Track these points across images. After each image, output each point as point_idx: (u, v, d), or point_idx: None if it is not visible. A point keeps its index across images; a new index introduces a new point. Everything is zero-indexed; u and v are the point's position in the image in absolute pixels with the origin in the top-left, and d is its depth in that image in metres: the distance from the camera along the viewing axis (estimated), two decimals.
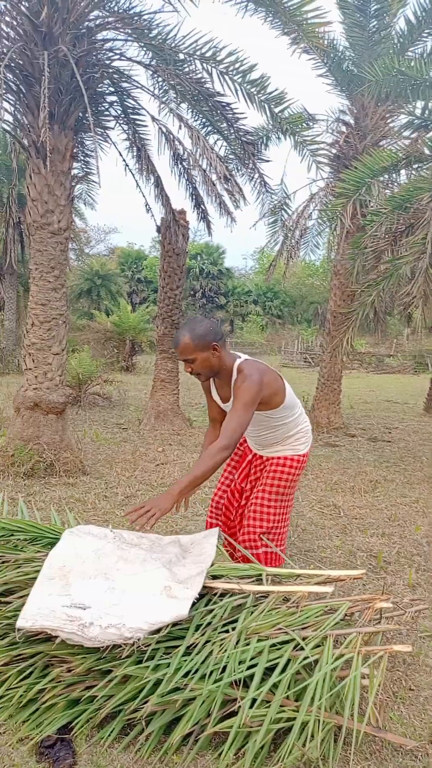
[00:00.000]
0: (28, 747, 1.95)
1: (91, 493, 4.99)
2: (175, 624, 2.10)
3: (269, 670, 2.01)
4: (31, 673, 2.13)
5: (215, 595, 2.26)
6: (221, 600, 2.22)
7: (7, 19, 5.18)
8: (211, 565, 2.40)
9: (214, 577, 2.36)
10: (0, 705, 2.09)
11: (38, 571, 2.30)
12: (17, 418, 5.67)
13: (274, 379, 2.66)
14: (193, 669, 2.00)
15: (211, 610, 2.18)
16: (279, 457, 2.84)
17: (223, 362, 2.57)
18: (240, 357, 2.62)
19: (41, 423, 5.62)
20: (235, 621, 2.17)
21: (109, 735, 1.98)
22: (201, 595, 2.25)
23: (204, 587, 2.26)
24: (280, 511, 2.83)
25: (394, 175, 7.48)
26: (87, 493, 5.01)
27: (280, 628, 2.09)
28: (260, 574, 2.37)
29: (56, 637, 2.02)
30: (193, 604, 2.16)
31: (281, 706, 1.94)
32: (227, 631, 2.13)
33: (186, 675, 2.00)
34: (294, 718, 1.92)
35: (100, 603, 2.08)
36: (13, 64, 5.13)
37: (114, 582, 2.19)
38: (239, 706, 1.91)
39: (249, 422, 2.45)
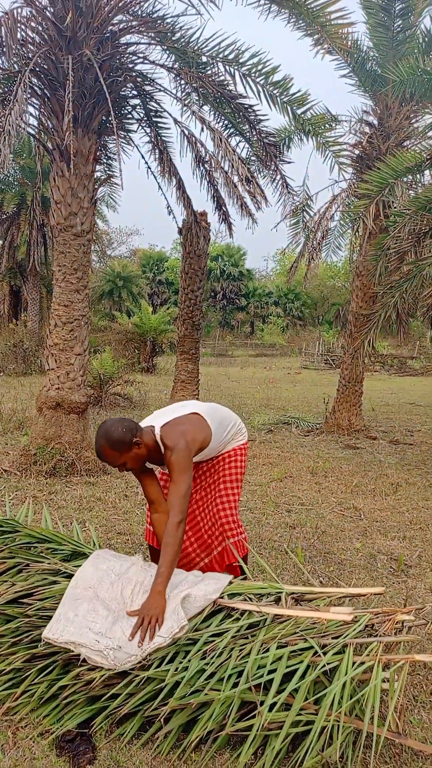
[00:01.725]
0: (48, 741, 1.97)
1: (111, 492, 5.03)
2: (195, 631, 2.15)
3: (289, 677, 2.02)
4: (52, 670, 2.16)
5: (234, 611, 2.27)
6: (240, 618, 2.23)
7: (33, 24, 5.26)
8: (229, 583, 2.42)
9: (232, 596, 2.36)
10: (21, 700, 2.12)
11: (57, 577, 2.38)
12: (39, 418, 5.75)
13: (196, 426, 2.63)
14: (212, 673, 2.01)
15: (225, 631, 2.18)
16: (227, 452, 2.93)
17: (148, 441, 2.55)
18: (154, 425, 2.58)
19: (63, 423, 5.69)
20: (255, 626, 2.18)
21: (129, 732, 2.00)
22: (218, 610, 2.27)
23: (222, 607, 2.28)
24: (238, 497, 2.92)
25: (418, 175, 7.40)
26: (108, 492, 5.05)
27: (300, 636, 2.10)
28: (279, 593, 2.37)
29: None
30: (210, 616, 2.20)
31: (301, 709, 1.93)
32: (246, 638, 2.14)
33: (204, 678, 2.01)
34: (313, 722, 1.92)
35: (121, 637, 2.13)
36: (38, 69, 5.21)
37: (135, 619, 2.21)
38: (258, 711, 1.92)
39: (190, 486, 2.45)
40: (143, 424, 2.66)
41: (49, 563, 2.52)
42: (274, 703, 1.93)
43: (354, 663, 1.99)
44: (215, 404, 2.99)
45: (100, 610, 2.22)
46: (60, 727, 2.00)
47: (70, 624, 2.14)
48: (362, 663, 1.99)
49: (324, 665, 1.98)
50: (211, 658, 2.05)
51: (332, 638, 2.11)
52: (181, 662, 2.06)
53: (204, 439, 2.65)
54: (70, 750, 1.91)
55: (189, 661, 2.06)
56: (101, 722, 2.02)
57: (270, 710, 1.92)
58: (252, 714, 1.97)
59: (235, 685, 1.98)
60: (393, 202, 7.01)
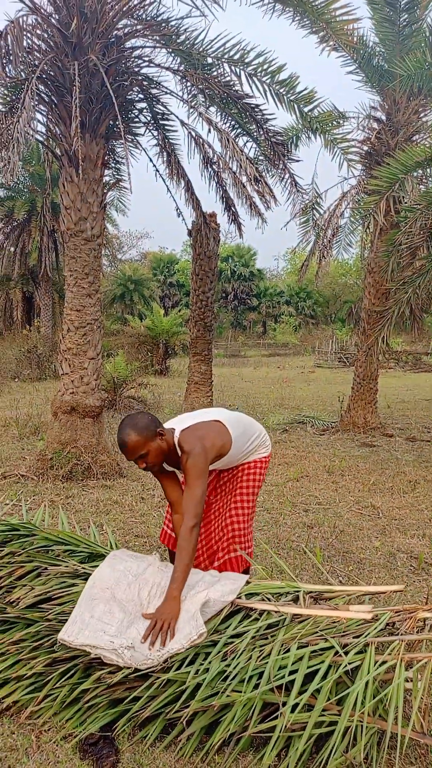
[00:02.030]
0: (71, 744, 1.98)
1: (128, 495, 5.04)
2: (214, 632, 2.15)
3: (310, 677, 2.00)
4: (74, 674, 2.16)
5: (253, 611, 2.26)
6: (258, 619, 2.22)
7: (38, 32, 5.30)
8: (247, 583, 2.41)
9: (250, 596, 2.35)
10: (44, 704, 2.13)
11: (75, 579, 2.39)
12: (55, 423, 5.78)
13: (216, 432, 2.63)
14: (233, 674, 2.00)
15: (245, 632, 2.17)
16: (248, 462, 2.88)
17: (169, 440, 2.57)
18: (174, 428, 2.61)
19: (78, 427, 5.71)
20: (275, 626, 2.17)
21: (152, 734, 2.00)
22: (236, 611, 2.27)
23: (240, 607, 2.27)
24: (253, 510, 2.88)
25: (428, 170, 7.33)
26: (124, 495, 5.07)
27: (321, 636, 2.08)
28: (297, 592, 2.36)
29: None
30: (228, 617, 2.19)
31: (323, 710, 1.92)
32: (266, 638, 2.13)
33: (225, 679, 2.00)
34: (336, 722, 1.90)
35: (136, 637, 2.13)
36: (44, 76, 5.25)
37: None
38: (280, 713, 1.91)
39: (205, 491, 2.46)
40: (166, 425, 2.66)
41: (67, 566, 2.52)
42: (297, 705, 1.92)
43: (376, 662, 1.97)
44: (241, 414, 2.96)
45: (116, 613, 2.22)
46: (83, 731, 2.01)
47: (86, 627, 2.14)
48: (384, 662, 1.97)
49: (345, 665, 1.96)
50: (232, 659, 2.04)
51: (353, 637, 2.09)
52: (201, 664, 2.05)
53: (223, 446, 2.64)
54: (93, 753, 1.92)
55: (209, 663, 2.05)
56: (124, 725, 2.03)
57: (292, 711, 1.91)
58: (274, 715, 1.96)
59: (257, 686, 1.97)
60: (403, 197, 6.96)
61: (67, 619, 2.24)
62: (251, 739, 1.98)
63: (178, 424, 2.66)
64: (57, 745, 1.98)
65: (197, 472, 2.42)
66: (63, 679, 2.16)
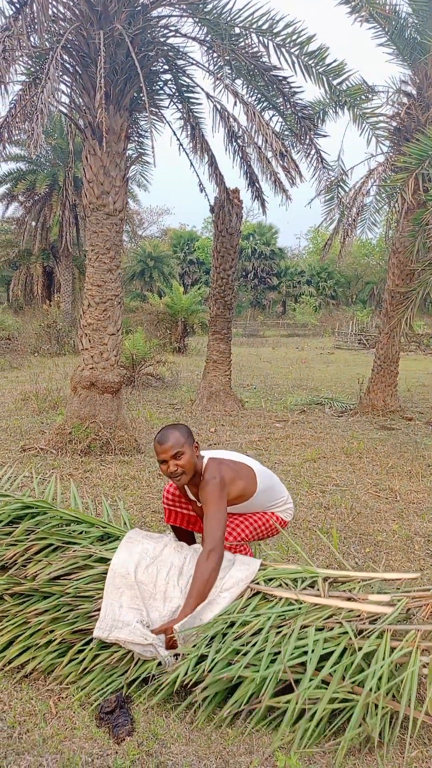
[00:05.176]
0: (89, 711, 2.02)
1: (145, 471, 5.08)
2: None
3: (325, 660, 2.02)
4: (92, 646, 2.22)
5: (272, 598, 2.27)
6: (276, 604, 2.23)
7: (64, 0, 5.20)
8: (261, 569, 2.43)
9: (268, 581, 2.36)
10: (67, 668, 2.18)
11: (89, 561, 2.44)
12: (74, 398, 5.82)
13: (241, 474, 2.63)
14: (249, 652, 2.03)
15: (265, 616, 2.19)
16: (266, 511, 2.82)
17: (199, 463, 2.59)
18: (204, 456, 2.62)
19: (97, 402, 5.74)
20: (291, 610, 2.18)
21: (163, 692, 2.05)
22: (254, 594, 2.29)
23: (260, 593, 2.29)
24: (247, 535, 2.74)
25: None
26: (141, 471, 5.10)
27: (337, 621, 2.09)
28: (314, 577, 2.36)
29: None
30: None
31: (340, 688, 1.94)
32: (284, 618, 2.15)
33: (240, 653, 2.03)
34: (350, 700, 1.92)
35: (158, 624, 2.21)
36: (69, 45, 5.16)
37: (172, 602, 2.28)
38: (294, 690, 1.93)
39: (225, 517, 2.45)
40: (201, 452, 2.68)
41: (81, 546, 2.53)
42: (312, 680, 1.94)
43: (392, 649, 1.98)
44: (274, 474, 2.93)
45: (141, 597, 2.27)
46: (101, 696, 2.06)
47: (118, 620, 2.18)
48: (400, 648, 1.98)
49: (358, 650, 1.98)
50: (248, 637, 2.06)
51: (369, 623, 2.10)
52: (222, 642, 2.09)
53: (244, 489, 2.64)
54: (109, 722, 1.95)
55: (225, 643, 2.09)
56: (140, 694, 2.07)
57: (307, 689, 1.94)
58: (288, 692, 1.98)
59: (273, 662, 1.99)
60: None
61: (84, 597, 2.30)
62: (265, 715, 2.00)
63: (211, 453, 2.69)
64: (74, 712, 2.03)
65: (212, 499, 2.45)
66: (83, 644, 2.22)
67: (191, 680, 2.02)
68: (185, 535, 2.93)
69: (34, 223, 21.94)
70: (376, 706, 1.89)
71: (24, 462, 5.22)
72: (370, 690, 1.87)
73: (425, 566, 3.34)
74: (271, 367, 15.37)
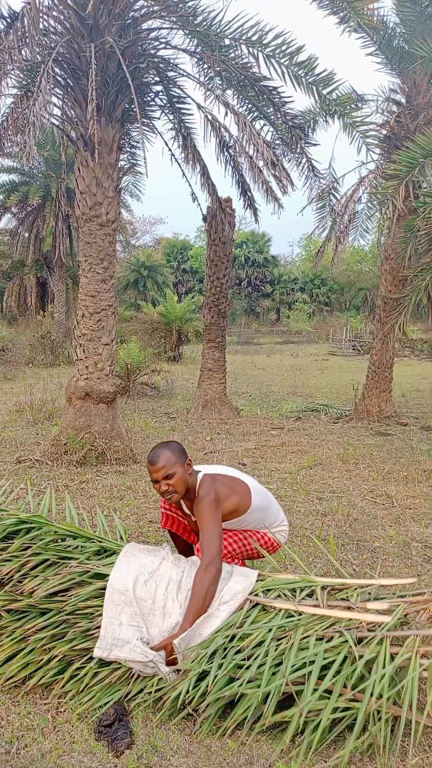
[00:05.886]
0: (87, 725, 2.00)
1: (141, 481, 5.06)
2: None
3: (326, 668, 2.02)
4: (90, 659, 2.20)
5: (272, 609, 2.27)
6: (276, 614, 2.23)
7: (55, 13, 5.24)
8: (259, 579, 2.42)
9: (266, 592, 2.35)
10: (67, 686, 2.17)
11: (85, 576, 2.43)
12: (69, 408, 5.80)
13: (236, 490, 2.64)
14: (250, 666, 2.02)
15: (261, 627, 2.19)
16: (260, 530, 2.83)
17: (193, 479, 2.60)
18: (200, 472, 2.63)
19: (92, 412, 5.73)
20: (292, 622, 2.18)
21: (168, 717, 2.02)
22: (253, 606, 2.29)
23: (259, 605, 2.28)
24: (236, 546, 2.77)
25: None
26: (137, 480, 5.09)
27: (336, 630, 2.09)
28: (312, 586, 2.35)
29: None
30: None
31: (340, 696, 1.94)
32: (284, 629, 2.15)
33: (241, 668, 2.03)
34: (350, 708, 1.92)
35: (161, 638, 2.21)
36: (60, 58, 5.20)
37: (171, 618, 2.26)
38: (295, 701, 1.92)
39: (221, 532, 2.46)
40: (196, 467, 2.69)
41: (78, 562, 2.51)
42: (313, 694, 1.93)
43: (392, 655, 1.98)
44: (272, 496, 2.94)
45: (140, 613, 2.26)
46: (100, 709, 2.05)
47: (118, 638, 2.17)
48: (400, 655, 1.98)
49: (362, 657, 1.97)
50: (249, 650, 2.06)
51: (368, 630, 2.10)
52: (223, 658, 2.08)
53: (238, 504, 2.64)
54: (108, 735, 1.94)
55: (227, 658, 2.08)
56: (138, 706, 2.06)
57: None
58: (289, 704, 1.97)
59: (273, 675, 1.99)
60: (423, 182, 6.83)
61: (83, 614, 2.29)
62: (265, 725, 1.99)
63: (206, 468, 2.69)
64: (72, 726, 2.01)
65: (207, 515, 2.46)
66: (83, 662, 2.20)
67: (193, 697, 2.01)
68: (182, 544, 2.92)
69: (27, 234, 21.95)
70: (378, 712, 1.89)
71: (19, 473, 5.19)
72: (371, 695, 1.87)
73: (422, 571, 3.34)
74: (266, 375, 15.40)
